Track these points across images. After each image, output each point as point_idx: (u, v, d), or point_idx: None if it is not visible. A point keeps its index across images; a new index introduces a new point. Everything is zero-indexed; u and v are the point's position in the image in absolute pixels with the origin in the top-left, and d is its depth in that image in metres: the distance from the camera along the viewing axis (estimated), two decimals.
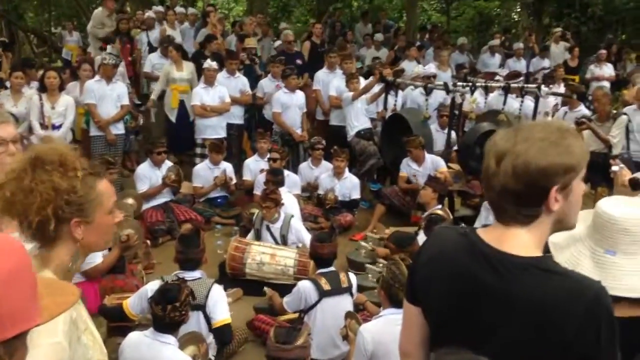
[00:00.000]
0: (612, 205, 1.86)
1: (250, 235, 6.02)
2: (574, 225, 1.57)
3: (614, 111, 7.35)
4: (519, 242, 1.50)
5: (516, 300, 1.46)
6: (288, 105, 8.19)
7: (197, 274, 4.20)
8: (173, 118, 8.56)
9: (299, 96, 8.36)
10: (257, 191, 7.14)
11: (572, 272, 1.50)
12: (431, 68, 8.95)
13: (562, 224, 1.55)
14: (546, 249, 1.64)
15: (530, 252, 1.49)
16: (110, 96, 7.44)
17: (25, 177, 1.50)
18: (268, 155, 7.38)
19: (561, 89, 9.46)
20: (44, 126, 6.95)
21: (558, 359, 1.44)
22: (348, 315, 4.02)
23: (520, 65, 12.15)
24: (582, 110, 7.93)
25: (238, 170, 7.84)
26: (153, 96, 8.67)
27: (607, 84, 10.55)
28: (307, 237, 5.64)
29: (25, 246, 1.39)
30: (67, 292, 1.26)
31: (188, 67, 8.59)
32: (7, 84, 7.53)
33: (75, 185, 1.55)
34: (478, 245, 1.55)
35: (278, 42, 10.97)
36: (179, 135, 8.32)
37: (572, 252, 1.89)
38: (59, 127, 7.04)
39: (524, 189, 1.47)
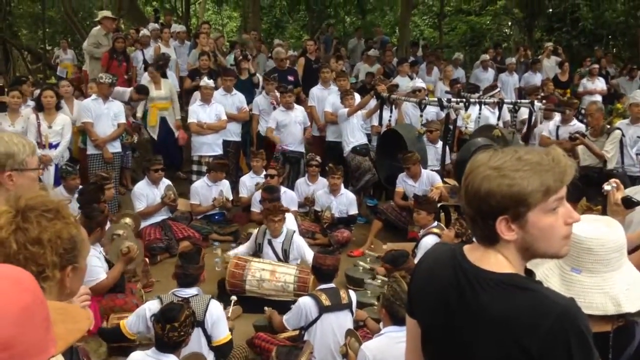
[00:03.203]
0: (578, 224, 1.91)
1: (247, 245, 6.02)
2: (555, 254, 1.58)
3: (608, 126, 7.40)
4: (494, 260, 1.54)
5: (487, 315, 1.48)
6: (285, 123, 8.17)
7: (193, 290, 4.21)
8: (155, 135, 8.67)
9: (297, 112, 8.34)
10: (255, 208, 7.18)
11: (544, 288, 1.51)
12: (418, 82, 8.97)
13: (533, 253, 1.56)
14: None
15: (504, 269, 1.52)
16: (106, 115, 7.47)
17: (31, 227, 1.47)
18: (264, 172, 7.42)
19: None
20: (41, 145, 6.94)
21: None
22: (348, 333, 4.03)
23: (513, 79, 12.24)
24: (576, 124, 7.94)
25: (234, 187, 7.87)
26: (138, 114, 8.78)
27: (599, 98, 10.65)
28: (308, 253, 5.66)
29: None
30: (79, 318, 1.25)
31: (166, 85, 8.69)
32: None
33: (72, 232, 1.54)
34: (459, 261, 1.60)
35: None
36: (161, 152, 8.03)
37: (544, 269, 1.95)
38: (56, 146, 7.07)
39: (472, 213, 1.54)
